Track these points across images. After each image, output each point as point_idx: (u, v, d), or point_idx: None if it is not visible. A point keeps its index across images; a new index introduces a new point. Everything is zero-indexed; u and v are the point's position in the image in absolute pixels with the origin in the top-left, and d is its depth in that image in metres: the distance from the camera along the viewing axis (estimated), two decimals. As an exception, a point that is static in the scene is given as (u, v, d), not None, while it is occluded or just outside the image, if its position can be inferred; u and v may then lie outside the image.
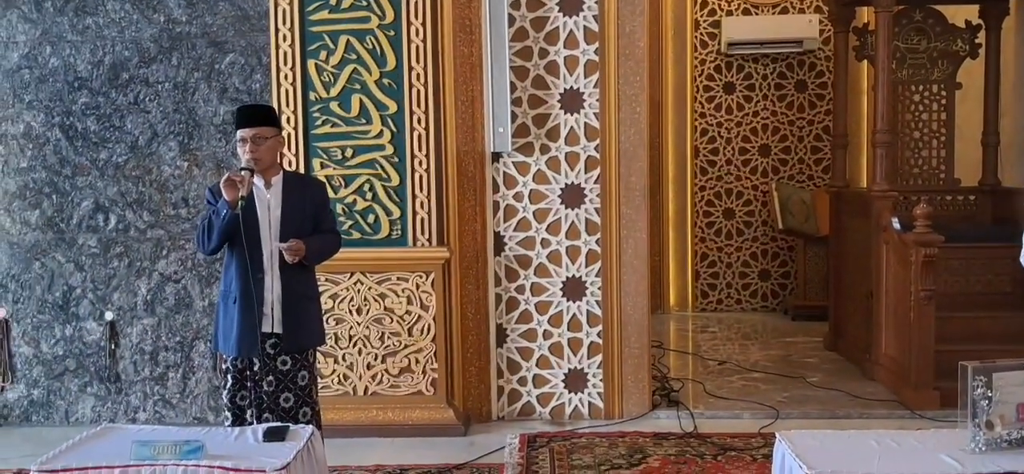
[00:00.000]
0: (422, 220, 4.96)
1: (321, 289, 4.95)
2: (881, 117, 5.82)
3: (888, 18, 5.88)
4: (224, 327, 3.74)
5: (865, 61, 6.75)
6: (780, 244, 8.41)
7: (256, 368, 3.73)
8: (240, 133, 3.67)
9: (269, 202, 3.72)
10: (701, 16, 8.30)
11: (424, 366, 5.01)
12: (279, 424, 3.48)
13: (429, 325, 4.99)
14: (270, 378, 3.72)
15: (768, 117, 8.34)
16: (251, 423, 3.67)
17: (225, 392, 3.80)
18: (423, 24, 4.91)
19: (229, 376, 3.78)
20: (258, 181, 3.69)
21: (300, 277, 3.76)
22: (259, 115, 3.74)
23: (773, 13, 8.20)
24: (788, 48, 8.12)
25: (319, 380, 4.32)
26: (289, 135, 4.98)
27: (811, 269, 8.03)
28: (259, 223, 3.68)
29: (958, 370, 3.13)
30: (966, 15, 6.48)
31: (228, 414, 3.78)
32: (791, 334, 7.50)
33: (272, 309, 3.69)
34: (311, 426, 3.48)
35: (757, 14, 8.22)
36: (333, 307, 5.02)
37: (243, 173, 3.56)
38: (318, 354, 4.24)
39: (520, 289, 5.23)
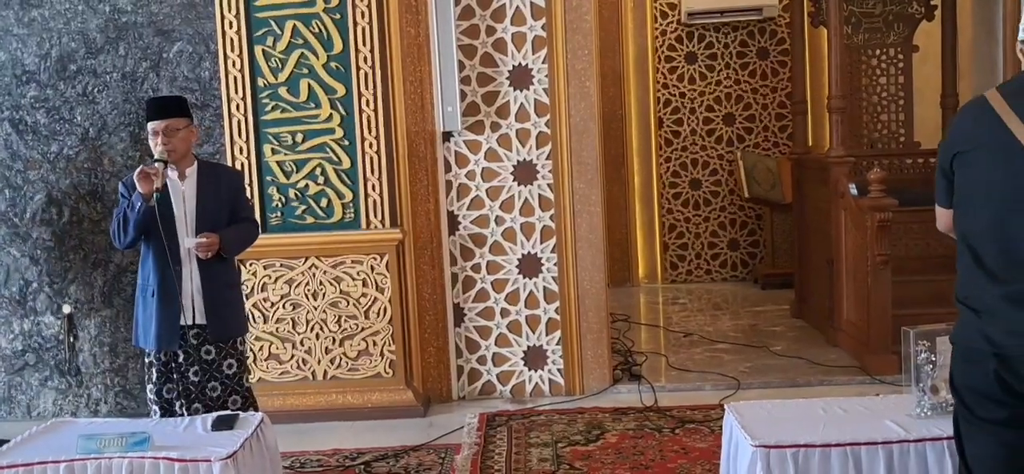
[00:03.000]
0: (374, 202, 4.95)
1: (276, 274, 4.98)
2: (834, 83, 5.82)
3: (841, -17, 5.87)
4: (144, 321, 3.73)
5: (823, 26, 6.74)
6: (748, 213, 8.42)
7: (181, 360, 3.74)
8: (151, 126, 3.68)
9: (184, 193, 3.73)
10: (660, -13, 8.29)
11: (382, 348, 5.01)
12: (228, 413, 3.48)
13: (385, 307, 4.99)
14: (195, 368, 3.74)
15: (731, 86, 8.32)
16: (181, 415, 3.68)
17: (150, 387, 3.79)
18: (368, 7, 4.87)
19: (154, 370, 3.77)
20: (172, 173, 3.70)
21: (219, 267, 3.75)
22: (170, 107, 3.75)
23: (732, -19, 8.18)
24: (748, 16, 8.09)
25: (251, 367, 4.32)
26: (239, 122, 4.95)
27: (779, 237, 8.06)
28: (174, 215, 3.68)
29: (901, 335, 3.14)
30: (921, -23, 6.48)
31: (155, 409, 3.78)
32: (760, 303, 7.53)
33: (192, 300, 3.70)
34: (262, 413, 3.48)
35: (716, -17, 8.19)
36: (289, 292, 5.01)
37: (156, 165, 3.57)
38: (247, 342, 4.24)
39: (476, 268, 5.23)
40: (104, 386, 5.36)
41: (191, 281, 3.71)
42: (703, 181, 8.46)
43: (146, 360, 3.82)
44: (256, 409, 3.80)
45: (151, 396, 3.79)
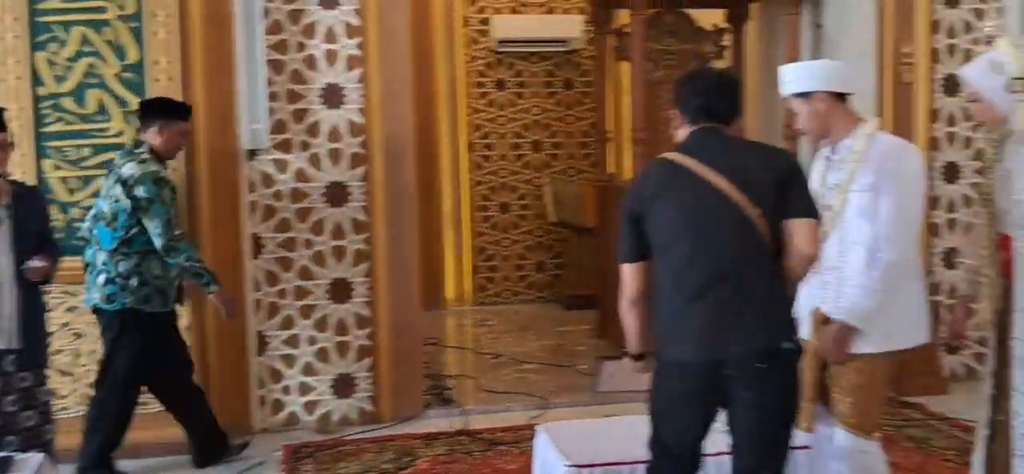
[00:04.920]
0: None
1: (56, 301, 4.58)
2: (638, 116, 6.06)
3: (642, 21, 6.14)
4: None
5: (625, 61, 7.01)
6: (554, 236, 8.62)
7: None
8: None
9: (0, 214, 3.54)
10: (470, 13, 8.35)
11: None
12: (3, 455, 3.17)
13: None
14: (11, 397, 3.51)
15: (539, 113, 8.53)
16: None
17: None
18: (169, 15, 4.60)
19: None
20: None
21: (34, 289, 3.61)
22: None
23: (540, 12, 8.39)
24: (555, 47, 8.34)
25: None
26: (16, 133, 4.52)
27: (583, 259, 8.28)
28: None
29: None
30: (713, 19, 6.87)
31: None
32: (565, 323, 7.70)
33: (9, 323, 3.51)
34: (43, 455, 3.17)
35: (525, 13, 8.37)
36: (71, 322, 4.61)
37: None
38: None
39: (282, 293, 5.02)
40: None
41: (7, 304, 3.51)
42: (512, 205, 8.58)
43: None
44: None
45: None
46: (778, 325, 2.66)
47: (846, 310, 3.00)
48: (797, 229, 2.61)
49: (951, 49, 5.45)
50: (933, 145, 5.45)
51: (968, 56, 5.21)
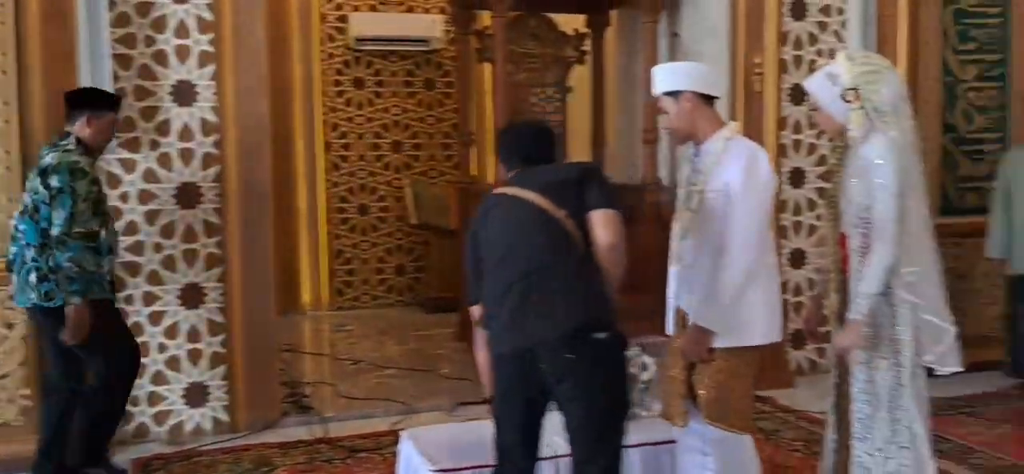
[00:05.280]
0: (2, 226, 4.32)
1: None
2: (500, 117, 6.07)
3: (504, 23, 6.16)
4: None
5: (487, 63, 7.03)
6: (415, 238, 8.54)
7: None
8: None
9: None
10: (327, 9, 8.18)
11: (11, 394, 4.37)
12: None
13: (15, 346, 4.36)
14: None
15: (399, 113, 8.43)
16: None
17: None
18: (3, 6, 4.28)
19: None
20: None
21: None
22: None
23: (400, 11, 8.30)
24: (415, 46, 8.26)
25: None
26: None
27: (444, 262, 8.23)
28: None
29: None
30: (574, 24, 6.98)
31: None
32: (426, 327, 7.64)
33: None
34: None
35: (384, 11, 8.26)
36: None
37: None
38: None
39: (129, 300, 4.74)
40: None
41: None
42: (371, 206, 8.45)
43: None
44: None
45: None
46: (588, 315, 2.77)
47: (700, 311, 3.10)
48: (595, 220, 2.82)
49: (797, 60, 5.72)
50: (781, 151, 5.71)
51: (812, 67, 5.49)
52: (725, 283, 3.04)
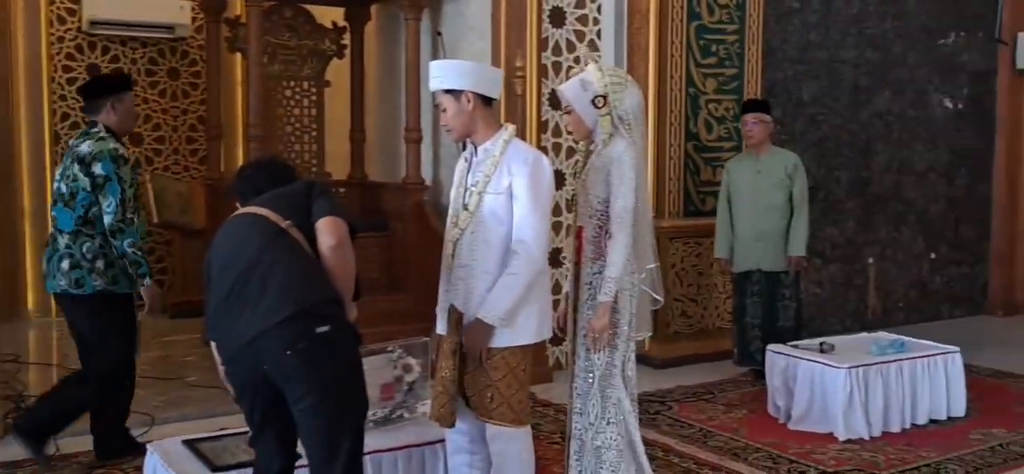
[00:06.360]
0: None
1: None
2: (254, 112, 5.82)
3: (259, 13, 5.91)
4: None
5: (239, 53, 6.70)
6: (156, 238, 7.97)
7: None
8: None
9: None
10: (56, -12, 7.48)
11: None
12: None
13: None
14: None
15: (140, 104, 7.82)
16: None
17: None
18: None
19: None
20: None
21: None
22: None
23: (141, -6, 7.73)
24: (159, 33, 7.73)
25: None
26: None
27: (190, 264, 7.74)
28: None
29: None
30: (333, 17, 6.82)
31: None
32: (171, 333, 7.15)
33: None
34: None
35: (123, -7, 7.66)
36: None
37: None
38: None
39: None
40: None
41: None
42: (104, 202, 7.78)
43: None
44: None
45: None
46: (302, 305, 2.76)
47: (486, 308, 3.12)
48: (319, 227, 2.88)
49: (557, 66, 5.90)
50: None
51: (569, 74, 5.68)
52: (515, 282, 3.09)
